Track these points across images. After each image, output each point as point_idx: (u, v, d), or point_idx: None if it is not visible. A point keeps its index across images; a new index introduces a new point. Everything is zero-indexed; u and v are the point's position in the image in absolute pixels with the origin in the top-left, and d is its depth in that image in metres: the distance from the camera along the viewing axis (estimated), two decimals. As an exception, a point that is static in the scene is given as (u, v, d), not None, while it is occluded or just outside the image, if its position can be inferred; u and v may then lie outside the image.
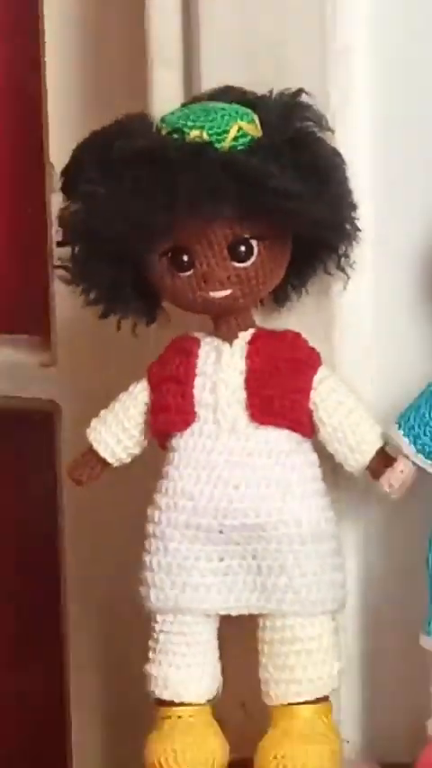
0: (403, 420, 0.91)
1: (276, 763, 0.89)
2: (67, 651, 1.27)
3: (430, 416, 0.91)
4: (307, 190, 0.87)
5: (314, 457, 0.94)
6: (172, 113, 0.92)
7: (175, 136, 0.88)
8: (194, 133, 0.87)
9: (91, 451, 0.98)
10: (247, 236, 0.88)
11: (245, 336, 0.94)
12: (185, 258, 0.88)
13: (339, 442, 0.94)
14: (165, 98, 1.04)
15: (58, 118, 1.21)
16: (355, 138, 0.97)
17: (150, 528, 0.93)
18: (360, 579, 1.03)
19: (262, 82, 0.96)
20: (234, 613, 0.93)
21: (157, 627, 0.94)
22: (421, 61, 1.00)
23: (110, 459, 0.96)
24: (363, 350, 1.02)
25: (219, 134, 0.86)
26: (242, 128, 0.88)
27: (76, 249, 0.92)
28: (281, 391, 0.92)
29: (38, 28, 1.24)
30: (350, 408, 0.94)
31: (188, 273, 0.89)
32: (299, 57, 0.99)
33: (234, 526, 0.90)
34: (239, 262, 0.88)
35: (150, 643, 0.94)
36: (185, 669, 0.94)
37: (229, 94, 0.93)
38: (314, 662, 0.92)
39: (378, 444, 0.92)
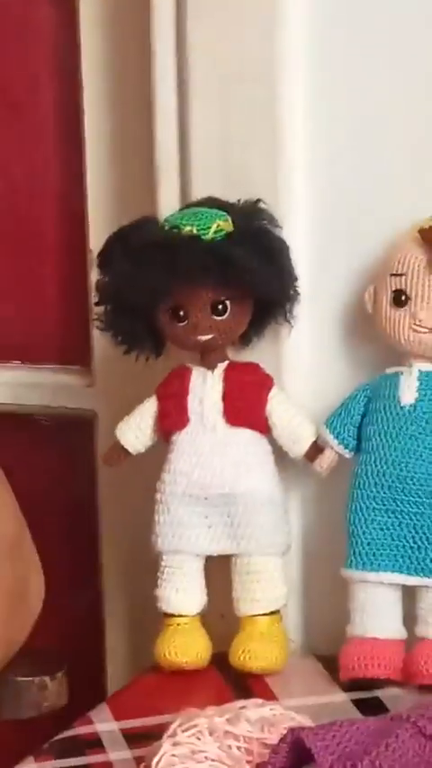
0: (329, 422, 1.07)
1: (243, 656, 1.05)
2: (102, 581, 1.39)
3: (347, 420, 1.07)
4: (264, 268, 1.04)
5: (269, 447, 1.10)
6: (172, 215, 1.10)
7: (174, 230, 1.05)
8: (187, 228, 1.03)
9: (118, 444, 1.13)
10: (223, 298, 1.04)
11: (222, 366, 1.11)
12: (181, 313, 1.04)
13: (285, 438, 1.11)
14: (167, 205, 1.18)
15: (94, 218, 1.33)
16: (297, 232, 1.12)
17: (158, 496, 1.09)
18: (300, 530, 1.17)
19: (234, 193, 1.13)
20: (215, 554, 1.10)
21: (163, 563, 1.09)
22: (347, 178, 1.13)
23: (130, 450, 1.12)
24: (301, 375, 1.16)
25: (204, 229, 1.03)
26: (220, 225, 1.04)
27: (107, 308, 1.10)
28: (246, 404, 1.09)
29: (82, 152, 1.34)
30: (293, 415, 1.11)
31: (183, 324, 1.05)
32: (259, 177, 1.13)
33: (215, 494, 1.07)
34: (218, 316, 1.05)
35: (158, 574, 1.10)
36: (182, 592, 1.09)
37: (210, 202, 1.10)
38: (269, 587, 1.08)
39: (312, 439, 1.09)
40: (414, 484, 1.04)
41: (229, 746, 0.84)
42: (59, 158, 1.42)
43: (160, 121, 1.20)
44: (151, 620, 1.17)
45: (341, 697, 1.02)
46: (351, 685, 1.02)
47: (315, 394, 1.14)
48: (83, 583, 1.38)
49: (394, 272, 1.03)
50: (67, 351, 1.38)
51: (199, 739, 0.84)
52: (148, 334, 1.10)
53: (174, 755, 0.82)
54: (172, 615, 1.08)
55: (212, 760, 0.82)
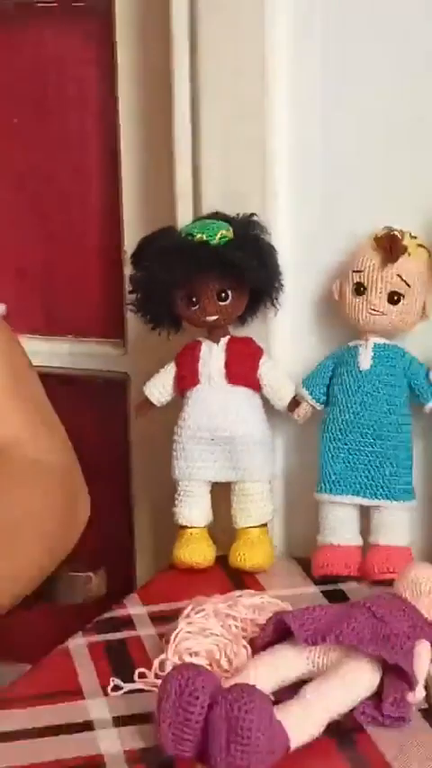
0: (305, 382, 1.11)
1: (239, 558, 1.09)
2: (133, 503, 1.40)
3: (319, 381, 1.10)
4: (257, 266, 1.07)
5: (260, 401, 1.13)
6: (186, 226, 1.13)
7: (189, 237, 1.07)
8: (198, 236, 1.06)
9: (146, 399, 1.15)
10: (225, 288, 1.06)
11: (224, 340, 1.14)
12: (194, 299, 1.07)
13: (272, 394, 1.14)
14: (183, 217, 1.20)
15: (128, 224, 1.34)
16: (281, 238, 1.14)
17: (176, 438, 1.12)
18: (283, 463, 1.21)
19: (234, 209, 1.14)
20: (219, 480, 1.13)
21: (179, 488, 1.13)
22: (319, 201, 1.15)
23: (155, 403, 1.14)
24: (285, 346, 1.19)
25: (211, 236, 1.06)
26: (224, 233, 1.06)
27: (138, 295, 1.12)
28: (243, 368, 1.12)
29: (118, 174, 1.33)
30: (277, 377, 1.13)
31: (195, 308, 1.08)
32: (252, 197, 1.15)
33: (219, 437, 1.10)
34: (222, 302, 1.08)
35: (176, 495, 1.14)
36: (194, 509, 1.13)
37: (216, 216, 1.12)
38: (259, 505, 1.12)
39: (292, 395, 1.12)
40: (368, 429, 1.07)
41: (229, 626, 0.89)
42: (103, 180, 1.40)
43: (178, 155, 1.21)
44: (170, 531, 1.18)
45: (313, 589, 1.06)
46: (321, 580, 1.06)
47: (295, 360, 1.17)
48: (120, 504, 1.39)
49: (355, 269, 1.06)
50: (107, 327, 1.39)
51: (206, 620, 0.89)
52: (168, 315, 1.13)
53: (187, 632, 0.87)
54: (186, 527, 1.11)
55: (216, 635, 0.87)
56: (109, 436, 1.40)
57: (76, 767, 0.75)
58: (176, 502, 1.13)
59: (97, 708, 0.82)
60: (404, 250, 1.03)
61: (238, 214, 1.11)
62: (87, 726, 0.80)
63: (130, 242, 1.26)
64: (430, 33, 1.11)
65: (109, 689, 0.84)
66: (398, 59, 1.12)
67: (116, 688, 0.83)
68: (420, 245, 1.05)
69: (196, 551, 1.10)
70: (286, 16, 1.14)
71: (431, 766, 0.72)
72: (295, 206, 1.16)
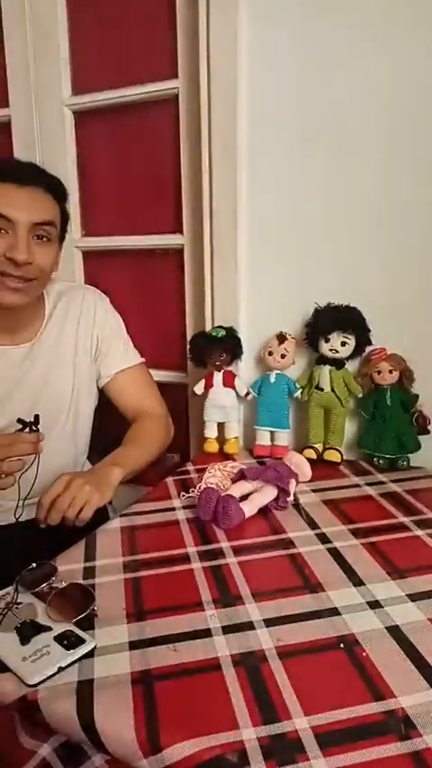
0: (252, 387, 1.22)
1: (227, 449, 1.20)
2: (190, 428, 1.39)
3: (254, 387, 1.21)
4: (234, 346, 1.18)
5: (235, 393, 1.21)
6: (210, 329, 1.20)
7: (212, 334, 1.18)
8: (214, 334, 1.19)
9: (193, 391, 1.22)
10: (222, 353, 1.18)
11: (222, 372, 1.21)
12: (211, 357, 1.18)
13: (239, 391, 1.23)
14: (207, 326, 1.26)
15: (188, 330, 1.35)
16: (243, 335, 1.23)
17: (205, 404, 1.22)
18: (243, 415, 1.29)
19: (226, 323, 1.23)
20: (219, 421, 1.21)
21: (205, 423, 1.22)
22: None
23: (198, 393, 1.22)
24: (242, 374, 1.27)
25: (218, 333, 1.18)
26: (223, 333, 1.18)
27: (190, 354, 1.21)
28: (229, 381, 1.22)
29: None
30: (240, 385, 1.23)
31: (211, 360, 1.19)
32: (231, 320, 1.22)
33: (220, 405, 1.21)
34: (220, 358, 1.19)
35: (204, 426, 1.23)
36: (210, 430, 1.23)
37: (220, 327, 1.19)
38: (234, 430, 1.22)
39: (246, 391, 1.23)
40: (271, 405, 1.20)
41: (224, 473, 1.04)
42: (177, 295, 1.36)
43: (207, 307, 1.26)
44: (202, 439, 1.25)
45: (253, 461, 1.17)
46: (256, 458, 1.18)
47: (246, 380, 1.24)
48: (185, 430, 1.39)
49: (269, 346, 1.19)
50: (182, 364, 1.39)
51: (215, 471, 1.04)
52: (201, 362, 1.22)
53: (208, 475, 1.03)
54: (207, 438, 1.23)
55: (219, 477, 1.02)
56: (181, 404, 1.37)
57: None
58: (205, 428, 1.23)
59: (177, 503, 0.95)
60: (284, 339, 1.16)
61: (231, 327, 1.21)
62: (172, 509, 0.92)
63: (189, 333, 1.33)
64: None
65: (181, 495, 0.98)
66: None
67: (184, 495, 0.98)
68: (292, 337, 1.17)
69: (211, 446, 1.23)
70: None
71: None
72: (248, 327, 1.24)
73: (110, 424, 1.14)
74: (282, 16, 1.04)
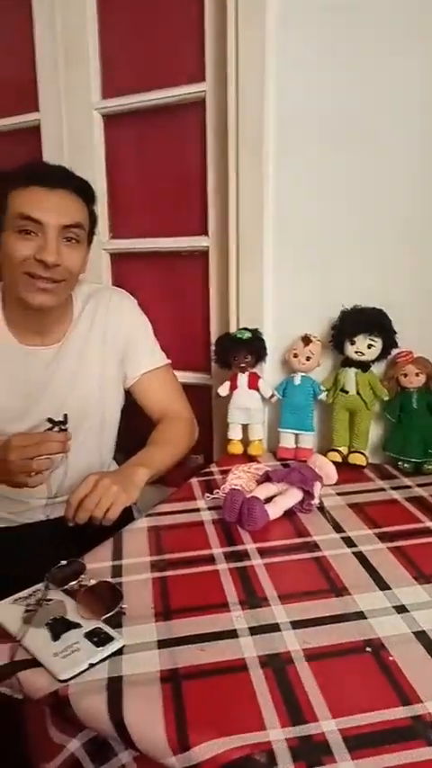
0: (276, 389, 1.21)
1: (251, 451, 1.20)
2: (214, 430, 1.38)
3: (279, 389, 1.20)
4: (259, 347, 1.18)
5: (259, 395, 1.20)
6: (235, 331, 1.20)
7: (237, 336, 1.19)
8: (239, 336, 1.19)
9: (217, 393, 1.23)
10: (247, 354, 1.18)
11: (247, 373, 1.21)
12: (236, 359, 1.19)
13: (263, 393, 1.20)
14: (232, 328, 1.26)
15: (213, 335, 1.32)
16: (267, 336, 1.22)
17: (229, 407, 1.23)
18: (267, 416, 1.29)
19: (252, 325, 1.23)
20: (243, 423, 1.21)
21: (229, 424, 1.23)
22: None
23: (222, 395, 1.23)
24: (266, 375, 1.26)
25: (243, 335, 1.18)
26: (248, 335, 1.18)
27: (215, 356, 1.22)
28: (253, 383, 1.22)
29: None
30: (265, 387, 1.21)
31: (236, 361, 1.19)
32: (257, 322, 1.22)
33: (244, 407, 1.21)
34: (245, 359, 1.18)
35: (228, 428, 1.23)
36: (234, 432, 1.23)
37: (245, 329, 1.19)
38: (258, 432, 1.22)
39: (270, 394, 1.21)
40: (297, 408, 1.19)
41: (249, 475, 1.04)
42: (202, 299, 1.36)
43: (232, 312, 1.26)
44: (225, 440, 1.25)
45: (277, 464, 1.17)
46: (280, 460, 1.18)
47: (271, 382, 1.24)
48: (208, 431, 1.37)
49: (294, 348, 1.18)
50: (206, 366, 1.37)
51: (240, 472, 1.05)
52: (226, 364, 1.22)
53: (233, 476, 1.03)
54: (231, 439, 1.23)
55: (243, 478, 1.02)
56: (205, 406, 1.36)
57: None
58: (228, 430, 1.24)
59: (201, 503, 0.97)
60: (309, 341, 1.16)
61: (256, 329, 1.21)
62: (197, 510, 0.93)
63: (214, 335, 1.33)
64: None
65: (206, 496, 0.98)
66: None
67: (208, 496, 0.98)
68: (317, 340, 1.16)
69: (234, 448, 1.23)
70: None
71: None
72: (273, 329, 1.24)
73: (135, 425, 1.15)
74: (310, 18, 1.04)
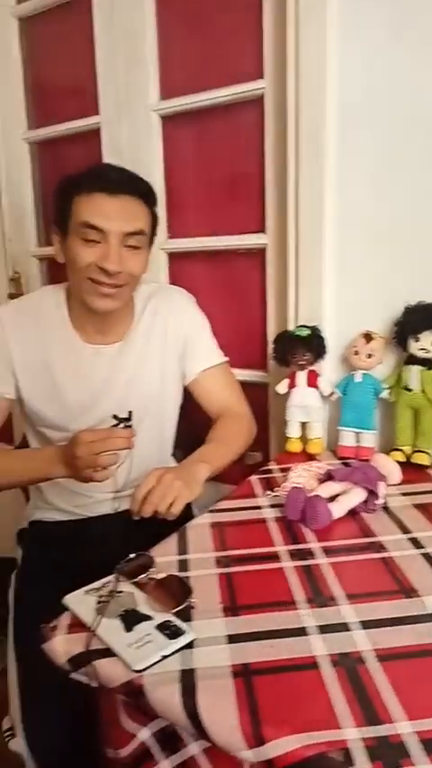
0: (337, 386, 1.21)
1: (311, 449, 1.20)
2: (269, 429, 1.38)
3: (340, 387, 1.19)
4: (318, 345, 1.16)
5: (318, 393, 1.20)
6: (294, 328, 1.19)
7: (295, 333, 1.17)
8: (297, 333, 1.18)
9: (276, 391, 1.22)
10: (306, 352, 1.17)
11: (305, 371, 1.21)
12: (295, 356, 1.17)
13: (322, 390, 1.22)
14: (290, 326, 1.25)
15: (270, 335, 1.31)
16: (327, 334, 1.20)
17: (287, 404, 1.21)
18: (326, 414, 1.27)
19: (311, 322, 1.22)
20: (302, 420, 1.20)
21: (288, 422, 1.20)
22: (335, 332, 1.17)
23: (280, 392, 1.21)
24: (326, 373, 1.24)
25: (302, 332, 1.17)
26: (307, 332, 1.17)
27: (274, 354, 1.21)
28: (313, 381, 1.21)
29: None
30: (324, 385, 1.22)
31: (295, 359, 1.18)
32: (316, 318, 1.21)
33: (302, 404, 1.20)
34: (304, 357, 1.17)
35: (287, 425, 1.20)
36: (293, 429, 1.21)
37: (303, 326, 1.18)
38: (317, 430, 1.21)
39: (330, 391, 1.20)
40: (359, 406, 1.18)
41: (310, 473, 1.03)
42: (258, 298, 1.36)
43: (290, 316, 1.26)
44: (283, 438, 1.24)
45: (338, 462, 1.15)
46: (340, 459, 1.16)
47: (331, 381, 1.23)
48: (265, 428, 1.36)
49: (354, 345, 1.17)
50: (263, 363, 1.37)
51: (301, 471, 1.04)
52: (284, 362, 1.21)
53: (296, 474, 1.03)
54: (290, 437, 1.22)
55: (305, 477, 1.02)
56: (261, 404, 1.35)
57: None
58: (287, 428, 1.23)
59: (262, 501, 0.96)
60: (371, 339, 1.14)
61: (315, 326, 1.19)
62: (258, 507, 0.93)
63: (271, 334, 1.32)
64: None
65: (266, 493, 0.98)
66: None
67: (269, 494, 0.98)
68: (379, 337, 1.15)
69: (293, 446, 1.22)
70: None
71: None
72: (333, 326, 1.22)
73: (191, 422, 1.18)
74: (374, 12, 1.02)
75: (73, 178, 0.94)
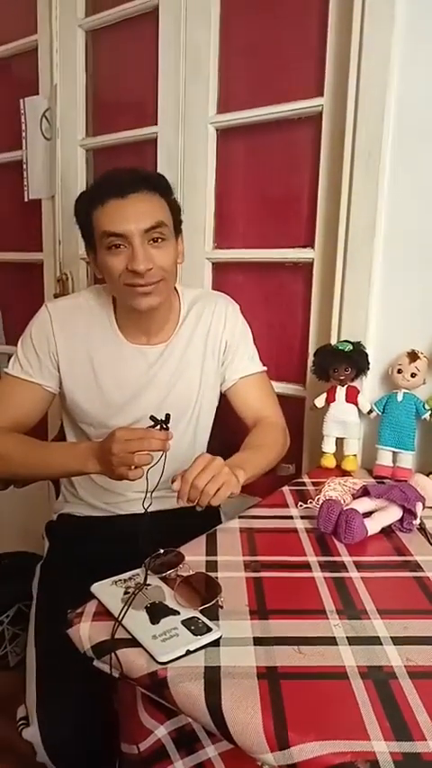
0: (375, 405, 1.18)
1: (346, 466, 1.18)
2: (304, 442, 1.37)
3: (378, 405, 1.17)
4: (360, 360, 1.14)
5: (356, 409, 1.18)
6: (336, 343, 1.18)
7: (338, 348, 1.15)
8: (341, 348, 1.15)
9: (314, 404, 1.21)
10: (348, 368, 1.15)
11: (345, 387, 1.21)
12: (336, 371, 1.16)
13: (361, 407, 1.22)
14: (333, 340, 1.24)
15: (311, 347, 1.31)
16: (371, 353, 1.19)
17: (325, 419, 1.20)
18: (363, 431, 1.24)
19: (354, 338, 1.21)
20: (339, 436, 1.19)
21: (324, 437, 1.19)
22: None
23: (318, 406, 1.21)
24: (366, 391, 1.24)
25: (344, 347, 1.15)
26: (349, 347, 1.15)
27: (314, 368, 1.20)
28: (352, 397, 1.21)
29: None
30: (364, 402, 1.20)
31: (335, 374, 1.17)
32: (359, 336, 1.20)
33: (340, 420, 1.18)
34: (345, 373, 1.16)
35: (323, 440, 1.20)
36: (329, 445, 1.21)
37: (346, 341, 1.16)
38: (353, 446, 1.19)
39: (368, 408, 1.19)
40: (398, 425, 1.16)
41: (345, 488, 1.03)
42: (303, 309, 1.35)
43: (334, 329, 1.24)
44: (319, 453, 1.23)
45: (373, 480, 1.12)
46: (376, 477, 1.15)
47: (370, 398, 1.21)
48: (299, 441, 1.35)
49: (398, 363, 1.16)
50: (301, 378, 1.38)
51: (335, 485, 1.03)
52: (324, 376, 1.20)
53: (330, 488, 1.02)
54: (325, 452, 1.21)
55: (339, 491, 1.01)
56: (297, 417, 1.35)
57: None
58: (323, 442, 1.21)
59: (294, 512, 0.96)
60: (416, 357, 1.13)
61: (358, 342, 1.18)
62: (290, 517, 0.93)
63: (312, 347, 1.31)
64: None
65: (299, 505, 0.98)
66: None
67: (302, 505, 0.98)
68: (424, 356, 1.13)
69: (328, 461, 1.21)
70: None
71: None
72: (376, 343, 1.20)
73: (224, 429, 1.19)
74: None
75: (85, 196, 0.96)
